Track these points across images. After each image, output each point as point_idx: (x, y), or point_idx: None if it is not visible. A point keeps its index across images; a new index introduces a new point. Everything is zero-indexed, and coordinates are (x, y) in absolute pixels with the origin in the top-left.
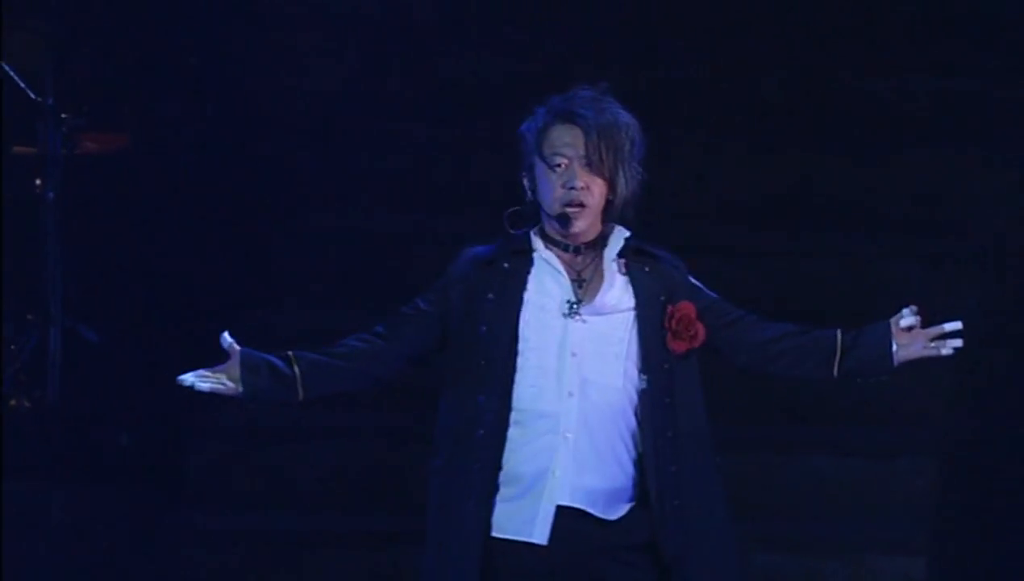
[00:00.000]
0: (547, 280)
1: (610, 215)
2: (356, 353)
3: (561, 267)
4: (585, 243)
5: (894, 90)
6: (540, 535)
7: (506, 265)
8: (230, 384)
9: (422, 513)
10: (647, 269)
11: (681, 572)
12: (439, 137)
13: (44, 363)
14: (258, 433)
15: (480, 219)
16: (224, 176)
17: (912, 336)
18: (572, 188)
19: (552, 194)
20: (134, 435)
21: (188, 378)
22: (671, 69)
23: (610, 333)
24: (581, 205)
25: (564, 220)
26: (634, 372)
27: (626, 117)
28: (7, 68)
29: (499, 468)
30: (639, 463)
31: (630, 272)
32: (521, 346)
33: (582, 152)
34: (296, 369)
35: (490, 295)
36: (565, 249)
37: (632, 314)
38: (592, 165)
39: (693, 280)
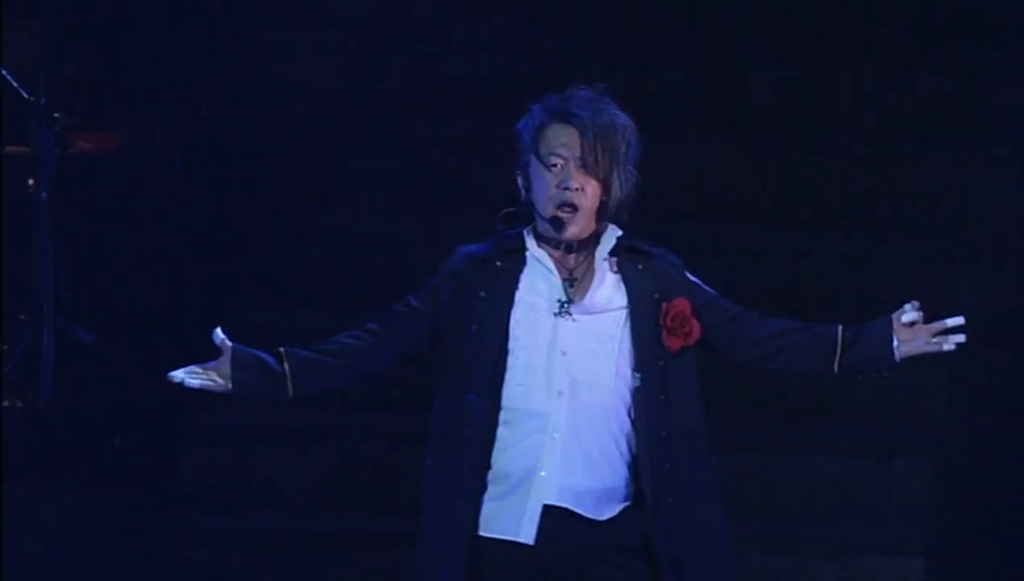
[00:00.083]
0: (538, 279)
1: (604, 215)
2: (347, 350)
3: (552, 266)
4: (578, 241)
5: (894, 90)
6: (527, 535)
7: (499, 264)
8: (220, 381)
9: (417, 514)
10: (640, 267)
11: (675, 573)
12: (439, 137)
13: (37, 364)
14: (252, 434)
15: (479, 220)
16: (219, 176)
17: (914, 332)
18: (566, 189)
19: (546, 194)
20: (128, 437)
21: (178, 374)
22: (670, 69)
23: (601, 332)
24: (574, 207)
25: (557, 224)
26: (627, 370)
27: (623, 119)
28: (0, 69)
29: (488, 467)
30: (633, 462)
31: (622, 270)
32: (511, 345)
33: (578, 153)
34: (286, 366)
35: (482, 293)
36: (557, 247)
37: (624, 312)
38: (587, 166)
39: (691, 277)
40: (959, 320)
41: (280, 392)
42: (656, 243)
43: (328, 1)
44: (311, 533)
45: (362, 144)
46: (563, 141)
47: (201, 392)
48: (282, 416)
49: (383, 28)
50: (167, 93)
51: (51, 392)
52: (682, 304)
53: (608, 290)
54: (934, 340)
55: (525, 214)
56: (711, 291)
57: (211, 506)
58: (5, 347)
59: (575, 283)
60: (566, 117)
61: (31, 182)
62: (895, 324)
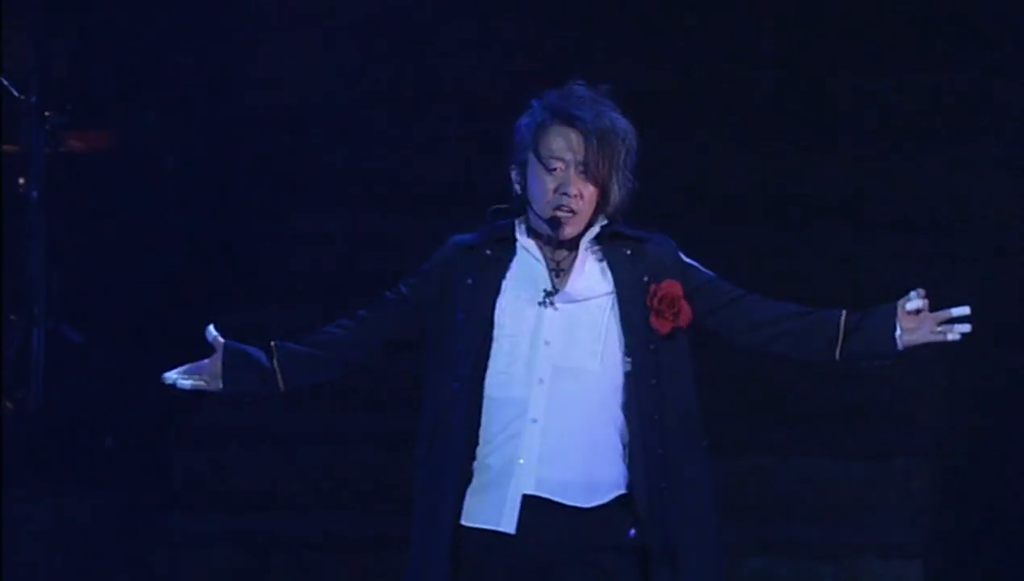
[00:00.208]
0: (526, 268)
1: (598, 217)
2: (336, 341)
3: (540, 256)
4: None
5: (893, 89)
6: (508, 524)
7: (488, 252)
8: (212, 381)
9: (410, 515)
10: (629, 252)
11: (665, 560)
12: (437, 137)
13: (27, 364)
14: (245, 435)
15: (478, 220)
16: (211, 175)
17: (919, 320)
18: (565, 193)
19: (545, 197)
20: (119, 438)
21: (171, 376)
22: (669, 68)
23: (584, 319)
24: (572, 211)
25: (555, 224)
26: (617, 356)
27: (623, 123)
28: None
29: (472, 457)
30: (626, 449)
31: (608, 256)
32: (496, 333)
33: (580, 157)
34: (275, 362)
35: (469, 280)
36: (548, 241)
37: (611, 298)
38: (587, 172)
39: (686, 259)
40: (964, 310)
41: (271, 388)
42: (646, 229)
43: (324, 0)
44: (303, 535)
45: (357, 143)
46: (564, 144)
47: (193, 393)
48: (275, 418)
49: (379, 27)
50: (158, 92)
51: (41, 393)
52: (671, 286)
53: (592, 277)
54: (938, 329)
55: (516, 209)
56: (709, 273)
57: (203, 507)
58: None
59: (560, 273)
60: (568, 119)
61: (22, 181)
62: (899, 312)
